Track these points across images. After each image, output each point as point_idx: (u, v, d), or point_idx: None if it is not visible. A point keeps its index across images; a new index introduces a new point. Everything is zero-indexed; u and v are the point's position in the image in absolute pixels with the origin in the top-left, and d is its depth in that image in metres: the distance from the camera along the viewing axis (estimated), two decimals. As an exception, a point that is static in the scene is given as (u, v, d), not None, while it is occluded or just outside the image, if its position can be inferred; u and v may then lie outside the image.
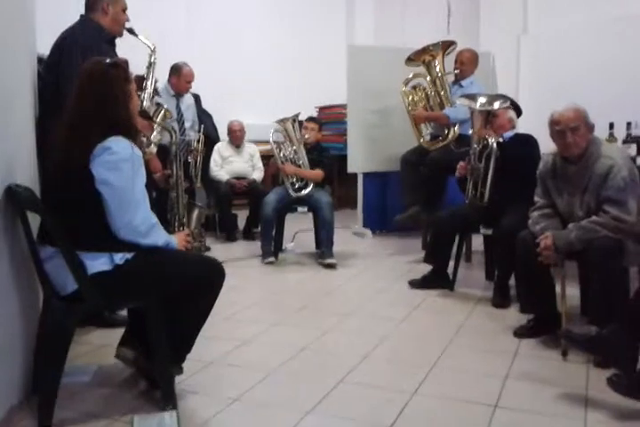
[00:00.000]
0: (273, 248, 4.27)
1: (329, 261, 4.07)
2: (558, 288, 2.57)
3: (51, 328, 1.91)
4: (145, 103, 3.02)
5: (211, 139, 5.25)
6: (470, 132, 3.36)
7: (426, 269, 3.57)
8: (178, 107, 4.56)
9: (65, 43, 2.68)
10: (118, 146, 1.85)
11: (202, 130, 4.76)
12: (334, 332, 2.79)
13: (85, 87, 1.91)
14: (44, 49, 2.83)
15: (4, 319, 1.86)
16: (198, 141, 4.67)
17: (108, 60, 1.96)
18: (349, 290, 3.58)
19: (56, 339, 1.88)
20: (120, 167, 1.84)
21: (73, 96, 1.92)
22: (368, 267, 4.12)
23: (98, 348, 2.53)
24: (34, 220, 1.97)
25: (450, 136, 4.30)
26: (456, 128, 4.29)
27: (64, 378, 1.90)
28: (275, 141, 4.27)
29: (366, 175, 5.23)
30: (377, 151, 5.03)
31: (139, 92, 2.84)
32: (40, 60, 2.96)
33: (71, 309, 1.88)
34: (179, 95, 4.60)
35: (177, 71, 4.57)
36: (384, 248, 4.71)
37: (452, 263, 3.51)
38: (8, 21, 2.01)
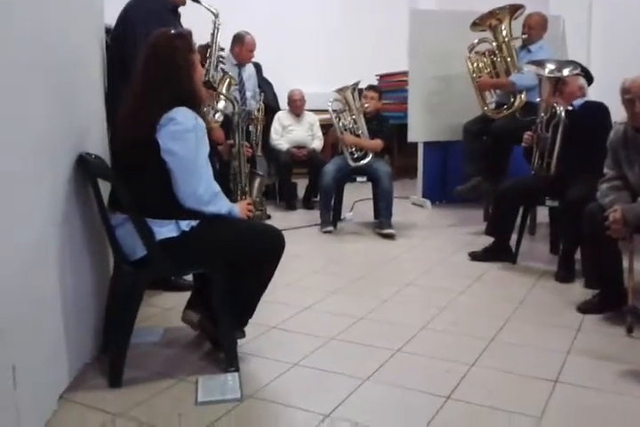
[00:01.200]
0: (332, 217, 4.29)
1: (387, 231, 4.05)
2: (626, 263, 2.46)
3: (121, 291, 1.99)
4: (210, 72, 3.03)
5: (271, 108, 5.27)
6: (538, 99, 3.27)
7: (487, 241, 3.50)
8: (240, 76, 4.56)
9: (129, 14, 2.70)
10: (182, 116, 1.86)
11: (262, 99, 4.77)
12: (392, 302, 2.79)
13: (151, 58, 1.92)
14: (111, 19, 2.86)
15: (78, 282, 1.95)
16: (259, 110, 4.69)
17: (172, 31, 1.96)
18: (408, 260, 3.56)
19: (126, 301, 1.95)
20: (184, 137, 1.85)
21: (139, 67, 1.94)
22: (427, 238, 4.09)
23: (165, 310, 2.62)
24: (105, 188, 2.03)
25: (516, 104, 4.17)
26: (523, 96, 4.16)
27: (133, 339, 1.99)
28: (334, 111, 4.24)
29: (427, 145, 5.14)
30: (438, 120, 4.93)
31: (203, 62, 2.85)
32: (107, 30, 3.00)
33: (140, 273, 1.94)
34: (241, 65, 4.60)
35: (239, 40, 4.56)
36: (444, 219, 4.64)
37: (514, 236, 3.42)
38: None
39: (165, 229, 1.90)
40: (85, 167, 1.98)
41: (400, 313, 2.64)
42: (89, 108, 2.20)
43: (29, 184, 1.59)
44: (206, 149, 1.94)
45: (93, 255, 2.08)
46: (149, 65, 1.92)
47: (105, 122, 2.48)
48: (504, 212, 3.35)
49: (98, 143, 2.28)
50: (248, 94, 4.62)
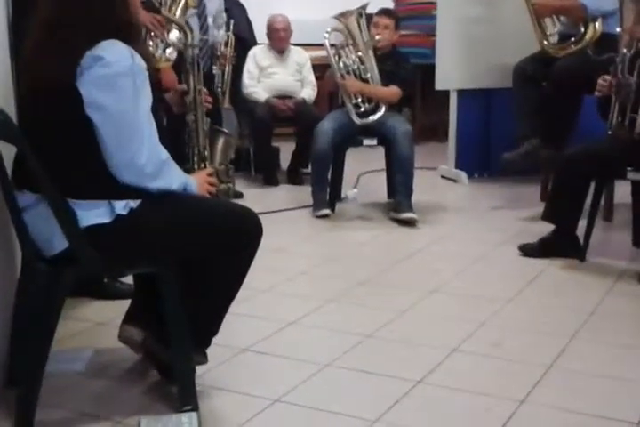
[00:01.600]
0: (328, 196, 4.29)
1: (406, 215, 4.06)
2: None
3: (32, 300, 1.99)
4: None
5: (244, 41, 5.25)
6: (618, 30, 3.27)
7: (545, 229, 3.51)
8: None
9: None
10: (114, 54, 1.85)
11: (231, 28, 4.73)
12: (412, 314, 2.80)
13: None
14: None
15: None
16: (227, 44, 4.66)
17: None
18: (434, 256, 3.57)
19: (39, 314, 1.95)
20: (116, 84, 1.84)
21: None
22: (461, 225, 4.09)
23: (95, 326, 2.62)
24: (7, 155, 2.01)
25: (587, 36, 4.16)
26: (597, 24, 4.14)
27: (50, 366, 1.98)
28: (332, 46, 4.21)
29: (462, 94, 5.14)
30: (479, 59, 4.91)
31: None
32: None
33: (60, 274, 1.94)
34: None
35: None
36: (485, 199, 4.65)
37: (583, 222, 3.43)
38: None
39: (94, 213, 1.89)
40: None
41: (422, 331, 2.64)
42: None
43: None
44: (148, 99, 1.93)
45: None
46: None
47: (9, 61, 2.46)
48: (569, 189, 3.36)
49: (-2, 91, 2.26)
50: (210, 20, 4.57)
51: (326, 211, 4.21)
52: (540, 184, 4.55)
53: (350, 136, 4.29)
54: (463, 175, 5.15)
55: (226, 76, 4.62)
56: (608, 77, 3.23)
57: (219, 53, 4.58)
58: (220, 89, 4.59)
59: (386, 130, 4.18)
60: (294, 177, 5.14)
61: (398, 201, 4.13)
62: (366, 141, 4.34)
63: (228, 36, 4.67)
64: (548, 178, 4.26)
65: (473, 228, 4.03)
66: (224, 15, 4.77)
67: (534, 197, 4.52)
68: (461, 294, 3.04)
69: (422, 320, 2.74)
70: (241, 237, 2.04)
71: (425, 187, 4.60)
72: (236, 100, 4.98)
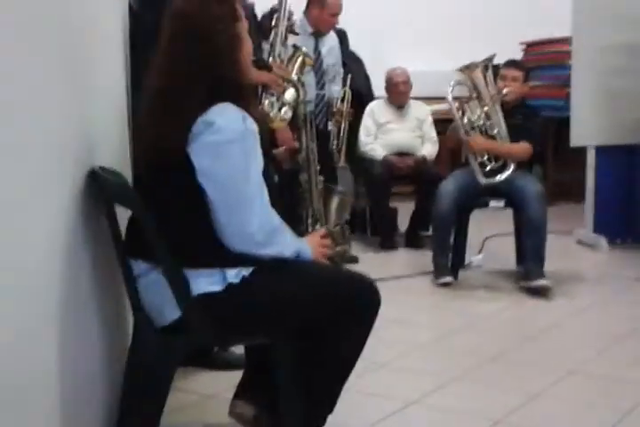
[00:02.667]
0: (451, 262, 4.28)
1: (538, 282, 3.98)
2: None
3: (143, 370, 2.05)
4: (277, 48, 3.12)
5: (361, 96, 5.36)
6: None
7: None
8: (317, 50, 4.69)
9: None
10: (225, 119, 1.92)
11: (348, 83, 4.86)
12: (547, 398, 2.73)
13: (177, 33, 2.00)
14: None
15: (81, 357, 2.02)
16: (343, 100, 4.78)
17: None
18: (571, 333, 3.49)
19: (149, 385, 2.02)
20: (227, 151, 1.92)
21: (160, 50, 2.01)
22: (602, 297, 3.99)
23: (205, 399, 2.67)
24: (122, 220, 2.11)
25: None
26: None
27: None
28: (455, 99, 4.24)
29: (601, 151, 5.08)
30: (619, 112, 4.87)
31: (267, 34, 2.92)
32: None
33: (171, 344, 2.01)
34: (319, 34, 4.71)
35: (320, 0, 4.66)
36: (629, 268, 4.54)
37: None
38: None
39: (206, 282, 1.96)
40: (99, 188, 2.04)
41: (558, 418, 2.57)
42: (103, 106, 2.28)
43: (17, 213, 1.63)
44: (259, 163, 2.00)
45: (105, 313, 2.15)
46: (174, 43, 1.99)
47: (127, 127, 2.59)
48: None
49: (117, 155, 2.37)
50: (328, 76, 4.72)
51: (448, 278, 4.17)
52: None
53: (475, 197, 4.29)
54: (603, 240, 5.01)
55: (342, 133, 4.73)
56: None
57: (335, 109, 4.69)
58: (335, 147, 4.69)
59: (515, 190, 4.14)
60: (413, 240, 5.13)
61: (528, 268, 4.06)
62: (492, 203, 4.34)
63: (344, 92, 4.78)
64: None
65: (616, 300, 3.92)
66: (341, 70, 4.91)
67: (686, 267, 4.36)
68: (605, 376, 2.94)
69: (558, 406, 2.66)
70: (358, 306, 2.06)
71: (559, 253, 4.51)
72: (352, 158, 5.07)
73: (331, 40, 4.83)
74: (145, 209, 1.95)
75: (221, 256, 1.96)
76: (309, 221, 2.75)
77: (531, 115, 4.39)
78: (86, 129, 2.06)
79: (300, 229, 2.60)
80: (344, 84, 4.82)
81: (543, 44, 6.55)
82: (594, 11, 4.82)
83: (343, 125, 4.75)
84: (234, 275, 1.97)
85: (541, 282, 3.96)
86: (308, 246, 2.10)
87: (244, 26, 2.05)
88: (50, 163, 1.75)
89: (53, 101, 1.77)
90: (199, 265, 1.96)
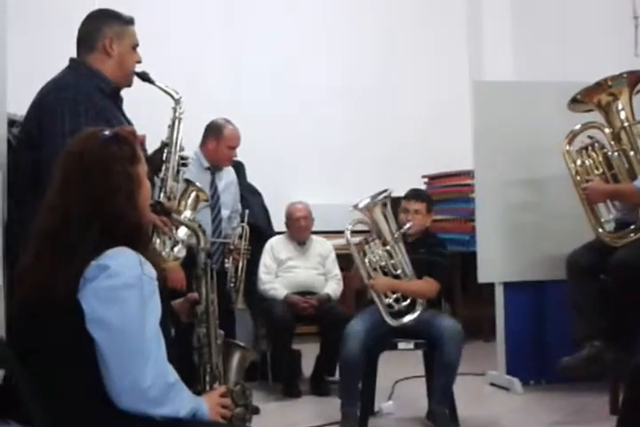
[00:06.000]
0: (360, 410, 4.16)
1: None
2: None
3: None
4: (168, 183, 3.11)
5: (259, 231, 5.35)
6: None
7: (624, 453, 3.32)
8: (213, 185, 4.66)
9: (47, 101, 2.81)
10: (120, 263, 1.90)
11: (246, 218, 4.83)
12: None
13: (72, 175, 1.98)
14: (18, 108, 2.98)
15: None
16: (241, 237, 4.73)
17: (105, 133, 2.03)
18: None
19: None
20: (122, 297, 1.88)
21: (54, 188, 1.99)
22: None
23: None
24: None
25: (649, 224, 4.21)
26: (659, 210, 4.20)
27: None
28: (356, 245, 4.24)
29: (509, 287, 5.13)
30: (526, 248, 4.98)
31: (156, 173, 2.91)
32: (12, 122, 3.10)
33: None
34: (216, 168, 4.71)
35: (215, 132, 4.66)
36: (544, 412, 4.51)
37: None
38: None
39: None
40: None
41: None
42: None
43: None
44: (157, 312, 1.96)
45: None
46: (68, 185, 1.97)
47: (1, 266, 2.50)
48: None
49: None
50: (224, 213, 4.68)
51: (355, 431, 4.03)
52: (609, 393, 4.37)
53: (385, 338, 4.23)
54: (516, 383, 4.99)
55: (240, 272, 4.64)
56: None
57: (232, 247, 4.64)
58: (233, 287, 4.60)
59: (430, 329, 4.13)
60: (319, 386, 5.01)
61: (436, 414, 4.04)
62: (401, 345, 4.27)
63: (242, 227, 4.75)
64: (618, 386, 4.12)
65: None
66: (239, 206, 4.90)
67: (602, 410, 4.34)
68: None
69: None
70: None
71: (472, 396, 4.50)
72: (251, 299, 4.98)
73: (229, 175, 4.84)
74: (19, 365, 1.88)
75: (106, 416, 1.88)
76: (207, 378, 2.66)
77: (435, 246, 4.43)
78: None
79: (196, 389, 2.49)
80: (242, 220, 4.80)
81: (445, 178, 6.74)
82: (494, 146, 5.00)
83: (241, 264, 4.67)
84: (121, 438, 1.87)
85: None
86: (206, 406, 2.05)
87: (143, 168, 2.06)
88: None
89: None
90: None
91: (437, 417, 4.03)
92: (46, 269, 1.91)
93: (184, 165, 3.33)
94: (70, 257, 1.90)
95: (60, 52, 3.06)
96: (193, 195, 3.64)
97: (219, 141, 4.67)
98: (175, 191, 3.29)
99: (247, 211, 4.89)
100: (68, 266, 1.89)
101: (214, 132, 4.72)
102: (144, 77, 3.07)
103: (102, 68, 2.92)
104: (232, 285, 4.62)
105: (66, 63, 2.97)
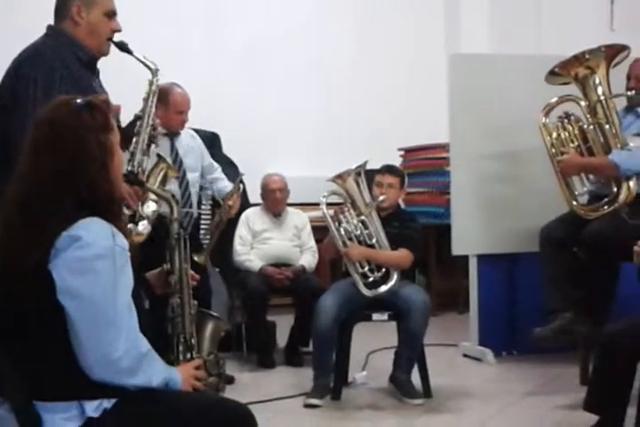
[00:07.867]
0: (333, 381, 4.23)
1: (413, 402, 4.09)
2: None
3: None
4: (137, 156, 3.11)
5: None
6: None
7: (589, 421, 3.42)
8: (173, 150, 4.53)
9: (22, 69, 2.83)
10: (92, 234, 1.90)
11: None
12: None
13: (43, 144, 1.97)
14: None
15: None
16: (213, 206, 4.74)
17: (78, 101, 2.02)
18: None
19: None
20: (94, 268, 1.89)
21: (25, 157, 1.98)
22: (490, 414, 3.99)
23: None
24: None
25: (621, 197, 4.22)
26: (632, 184, 4.23)
27: None
28: (330, 207, 4.30)
29: (483, 259, 5.18)
30: (500, 221, 5.01)
31: (127, 144, 2.92)
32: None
33: None
34: (173, 134, 4.57)
35: (162, 100, 4.28)
36: (516, 382, 4.58)
37: (632, 411, 3.34)
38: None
39: (61, 417, 1.88)
40: None
41: None
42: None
43: None
44: (129, 283, 1.97)
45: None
46: (40, 154, 1.96)
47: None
48: (612, 372, 3.29)
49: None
50: (190, 176, 4.55)
51: (316, 401, 4.09)
52: (579, 364, 4.47)
53: (358, 310, 4.28)
54: (489, 353, 5.06)
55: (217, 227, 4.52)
56: (645, 244, 3.25)
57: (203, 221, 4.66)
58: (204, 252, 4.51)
59: (400, 300, 4.18)
60: (293, 358, 5.07)
61: (399, 380, 4.15)
62: (376, 316, 4.33)
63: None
64: (588, 357, 4.20)
65: (503, 418, 3.93)
66: (215, 165, 4.82)
67: (573, 380, 4.44)
68: None
69: None
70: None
71: (446, 367, 4.56)
72: (225, 269, 5.01)
73: (189, 138, 4.69)
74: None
75: (80, 387, 1.89)
76: (180, 348, 2.69)
77: (407, 221, 4.49)
78: None
79: (169, 359, 2.53)
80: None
81: (421, 150, 6.75)
82: (470, 119, 5.02)
83: (215, 234, 4.64)
84: (94, 408, 1.89)
85: (415, 402, 4.10)
86: (179, 376, 2.07)
87: (116, 137, 2.05)
88: None
89: None
90: (54, 398, 1.88)
91: (402, 385, 4.13)
92: (17, 240, 1.91)
93: (153, 141, 3.34)
94: (41, 227, 1.89)
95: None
96: (162, 172, 3.59)
97: (167, 108, 4.45)
98: (144, 166, 3.29)
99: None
100: (39, 236, 1.88)
101: (161, 99, 4.48)
102: (122, 47, 3.05)
103: (76, 36, 2.92)
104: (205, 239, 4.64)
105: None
